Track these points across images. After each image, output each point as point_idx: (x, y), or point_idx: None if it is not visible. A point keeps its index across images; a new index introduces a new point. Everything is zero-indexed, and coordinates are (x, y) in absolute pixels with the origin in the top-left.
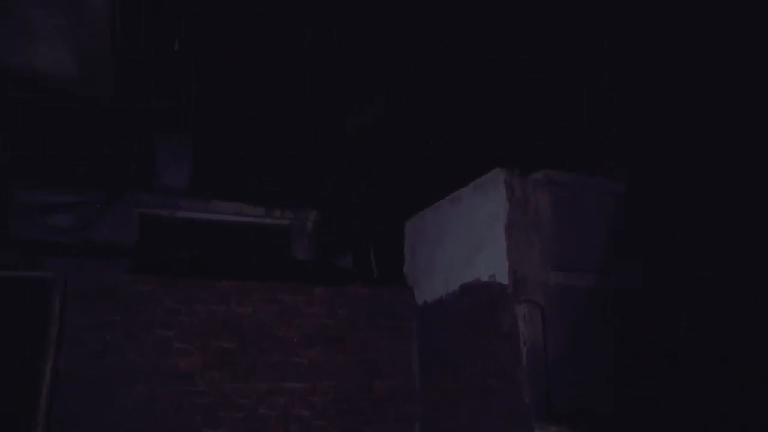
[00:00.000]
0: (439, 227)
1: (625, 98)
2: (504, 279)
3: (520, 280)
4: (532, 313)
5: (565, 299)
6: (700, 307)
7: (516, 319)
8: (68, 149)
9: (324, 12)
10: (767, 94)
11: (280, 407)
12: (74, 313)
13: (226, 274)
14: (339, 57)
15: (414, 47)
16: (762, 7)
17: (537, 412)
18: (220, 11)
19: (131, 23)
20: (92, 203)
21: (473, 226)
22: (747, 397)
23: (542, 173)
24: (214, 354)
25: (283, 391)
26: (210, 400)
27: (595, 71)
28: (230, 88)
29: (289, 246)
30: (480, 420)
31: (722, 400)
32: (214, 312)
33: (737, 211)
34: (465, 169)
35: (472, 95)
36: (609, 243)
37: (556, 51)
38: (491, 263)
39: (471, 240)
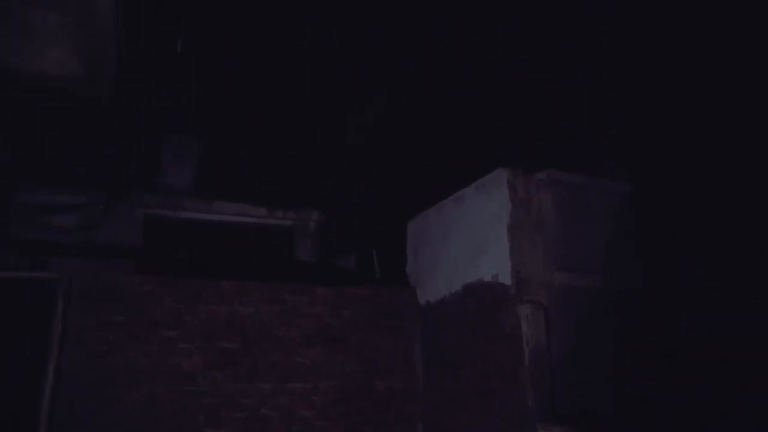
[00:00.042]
0: (442, 227)
1: (625, 98)
2: (507, 279)
3: (523, 281)
4: (535, 313)
5: (569, 299)
6: (700, 307)
7: (519, 320)
8: (68, 149)
9: (324, 12)
10: (767, 95)
11: (283, 408)
12: (77, 314)
13: (229, 275)
14: (339, 57)
15: (414, 47)
16: (762, 7)
17: (540, 413)
18: (220, 11)
19: (131, 23)
20: (96, 204)
21: (476, 226)
22: (747, 397)
23: (545, 173)
24: (217, 354)
25: (285, 391)
26: (212, 400)
27: (595, 71)
28: (230, 89)
29: (291, 246)
30: (481, 420)
31: (722, 400)
32: (216, 312)
33: (737, 211)
34: (466, 169)
35: (472, 95)
36: (611, 243)
37: (556, 51)
38: (494, 263)
39: (474, 240)
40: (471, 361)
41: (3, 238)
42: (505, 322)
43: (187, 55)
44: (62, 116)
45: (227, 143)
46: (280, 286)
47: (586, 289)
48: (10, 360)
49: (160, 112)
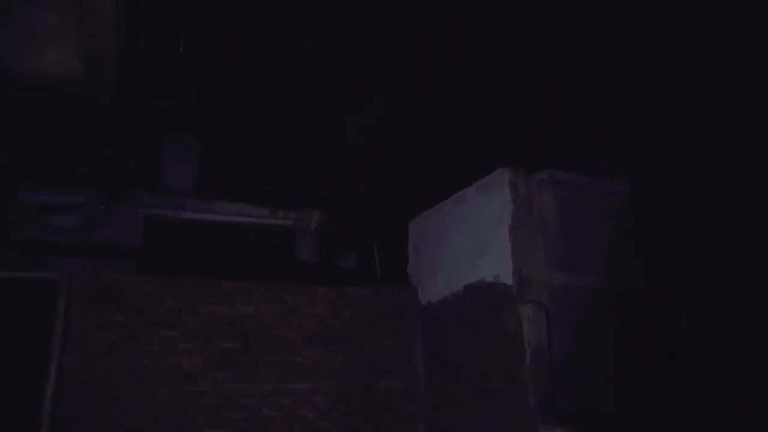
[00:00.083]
0: (443, 227)
1: (625, 98)
2: (508, 279)
3: (524, 281)
4: (536, 313)
5: (569, 300)
6: (700, 307)
7: (520, 320)
8: (68, 149)
9: (324, 12)
10: (767, 95)
11: (284, 408)
12: (77, 314)
13: (229, 275)
14: (339, 57)
15: (414, 47)
16: (762, 7)
17: (541, 413)
18: (220, 11)
19: (131, 23)
20: (96, 204)
21: (477, 226)
22: (747, 397)
23: (547, 173)
24: (217, 354)
25: (286, 391)
26: (213, 400)
27: (595, 71)
28: (230, 89)
29: (292, 246)
30: (482, 420)
31: (722, 400)
32: (217, 312)
33: (737, 211)
34: (466, 169)
35: (472, 95)
36: (612, 243)
37: (556, 51)
38: (495, 263)
39: (475, 240)
40: (472, 361)
41: (3, 238)
42: (506, 322)
43: (187, 55)
44: (62, 116)
45: (227, 143)
46: (280, 286)
47: (587, 289)
48: (11, 360)
49: (160, 112)
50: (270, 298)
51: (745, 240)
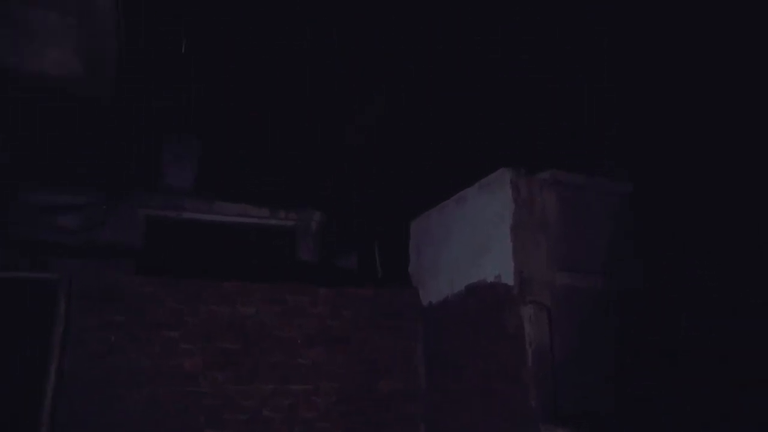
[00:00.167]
0: (444, 227)
1: (625, 98)
2: (510, 280)
3: (525, 281)
4: (538, 314)
5: (570, 300)
6: (700, 307)
7: (522, 320)
8: (68, 149)
9: (324, 12)
10: (767, 95)
11: (284, 409)
12: (78, 314)
13: (230, 275)
14: (339, 57)
15: (414, 47)
16: (762, 7)
17: (543, 414)
18: (220, 11)
19: (131, 23)
20: (97, 204)
21: (479, 226)
22: (747, 397)
23: (549, 173)
24: (218, 355)
25: (287, 392)
26: (214, 401)
27: (595, 71)
28: (230, 89)
29: (293, 247)
30: (483, 421)
31: (722, 400)
32: (218, 313)
33: (737, 211)
34: (467, 168)
35: (472, 95)
36: (612, 243)
37: (556, 51)
38: (497, 264)
39: (476, 240)
40: (473, 361)
41: (3, 238)
42: (508, 322)
43: (187, 55)
44: (62, 116)
45: (227, 143)
46: (281, 287)
47: (587, 290)
48: (11, 360)
49: (160, 112)
50: (271, 298)
51: (744, 240)
